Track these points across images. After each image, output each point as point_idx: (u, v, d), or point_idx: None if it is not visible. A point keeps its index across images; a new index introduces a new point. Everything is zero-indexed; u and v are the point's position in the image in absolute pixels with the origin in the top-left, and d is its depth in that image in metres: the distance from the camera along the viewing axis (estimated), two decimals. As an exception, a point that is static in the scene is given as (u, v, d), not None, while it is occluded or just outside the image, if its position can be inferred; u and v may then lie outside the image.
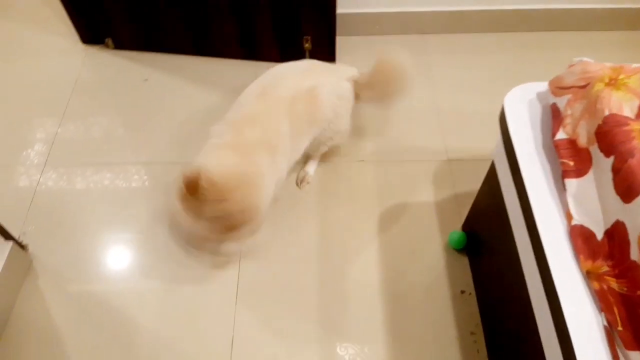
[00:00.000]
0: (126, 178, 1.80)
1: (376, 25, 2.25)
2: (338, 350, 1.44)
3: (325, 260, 1.62)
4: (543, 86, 1.17)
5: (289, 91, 1.41)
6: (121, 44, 2.20)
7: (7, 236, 1.52)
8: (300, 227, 1.70)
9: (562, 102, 1.06)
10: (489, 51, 2.22)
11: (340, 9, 2.08)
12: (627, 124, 0.91)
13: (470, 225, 1.61)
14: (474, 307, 1.53)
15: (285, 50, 2.10)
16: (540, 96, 1.18)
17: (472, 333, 1.48)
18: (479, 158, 1.67)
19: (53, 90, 2.08)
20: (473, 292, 1.56)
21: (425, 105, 2.03)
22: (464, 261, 1.62)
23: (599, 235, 0.93)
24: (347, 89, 1.56)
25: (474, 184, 1.48)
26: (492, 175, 1.33)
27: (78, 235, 1.67)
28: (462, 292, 1.56)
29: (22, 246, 1.58)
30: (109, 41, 2.20)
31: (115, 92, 2.08)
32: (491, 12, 2.21)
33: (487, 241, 1.46)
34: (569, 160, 1.01)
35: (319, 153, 1.77)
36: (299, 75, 1.49)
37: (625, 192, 0.87)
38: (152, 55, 2.20)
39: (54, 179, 1.80)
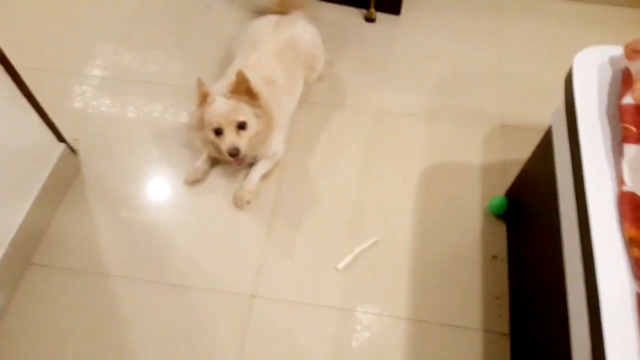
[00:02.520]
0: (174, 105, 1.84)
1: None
2: (358, 309, 1.45)
3: (359, 208, 1.62)
4: (618, 50, 1.10)
5: (277, 44, 1.68)
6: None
7: (61, 138, 1.58)
8: (341, 169, 1.70)
9: (635, 66, 1.00)
10: (566, 21, 2.10)
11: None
12: None
13: (515, 192, 1.57)
14: (504, 273, 1.50)
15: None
16: (613, 60, 1.11)
17: (497, 298, 1.47)
18: (535, 127, 1.59)
19: (115, 11, 2.11)
20: (505, 259, 1.53)
21: (488, 67, 1.96)
22: (501, 227, 1.59)
23: (651, 205, 0.89)
24: (312, 29, 1.82)
25: (525, 153, 1.43)
26: (547, 140, 1.28)
27: (124, 153, 1.73)
28: (494, 257, 1.54)
29: (73, 150, 1.64)
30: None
31: (177, 17, 2.11)
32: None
33: (529, 208, 1.42)
34: (631, 126, 0.95)
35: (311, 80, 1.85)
36: (273, 33, 1.72)
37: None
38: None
39: (107, 104, 1.84)
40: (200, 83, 1.46)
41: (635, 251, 0.86)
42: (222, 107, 1.44)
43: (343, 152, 1.75)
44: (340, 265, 1.50)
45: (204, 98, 1.47)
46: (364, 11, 2.10)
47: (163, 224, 1.58)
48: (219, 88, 1.52)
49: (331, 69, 1.94)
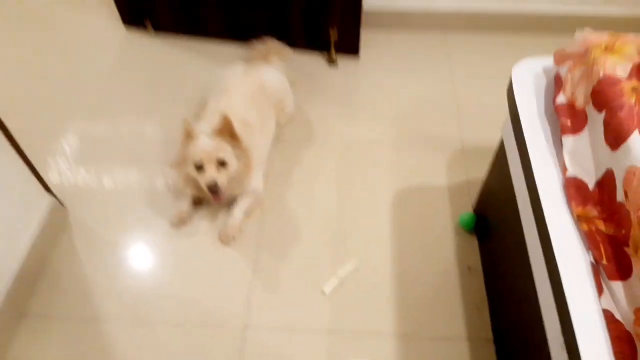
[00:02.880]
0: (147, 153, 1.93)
1: (401, 21, 2.36)
2: (347, 329, 1.51)
3: (339, 233, 1.71)
4: (548, 60, 1.25)
5: (248, 89, 1.82)
6: (160, 26, 2.36)
7: (47, 189, 1.64)
8: (318, 199, 1.80)
9: (564, 69, 1.15)
10: (502, 52, 2.30)
11: (366, 4, 2.21)
12: (619, 83, 0.99)
13: (481, 206, 1.68)
14: (480, 282, 1.58)
15: (311, 39, 2.23)
16: (546, 69, 1.27)
17: (477, 306, 1.54)
18: (492, 148, 1.73)
19: (91, 66, 2.26)
20: (480, 269, 1.61)
21: (445, 98, 2.13)
22: (473, 240, 1.68)
23: (591, 186, 1.01)
24: (279, 75, 1.98)
25: (485, 171, 1.55)
26: (500, 153, 1.40)
27: (110, 206, 1.80)
28: (469, 268, 1.62)
29: (60, 202, 1.70)
30: (147, 23, 2.35)
31: (150, 73, 2.24)
32: (510, 13, 2.30)
33: (495, 218, 1.53)
34: (566, 120, 1.09)
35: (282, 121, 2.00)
36: (244, 79, 1.87)
37: (613, 141, 0.94)
38: (189, 39, 2.36)
39: (87, 168, 1.93)
40: (186, 122, 1.57)
41: (584, 226, 0.97)
42: (205, 144, 1.54)
43: (318, 183, 1.85)
44: (327, 289, 1.56)
45: (188, 135, 1.57)
46: (326, 54, 2.27)
47: (152, 267, 1.63)
48: (200, 129, 1.61)
49: (299, 110, 2.07)
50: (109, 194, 1.81)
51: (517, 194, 1.22)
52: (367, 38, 2.32)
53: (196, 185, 1.61)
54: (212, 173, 1.53)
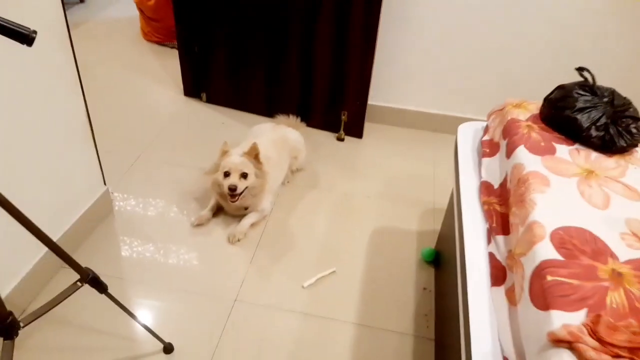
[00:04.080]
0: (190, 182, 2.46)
1: (398, 118, 2.98)
2: (317, 314, 1.87)
3: (324, 250, 2.12)
4: (484, 123, 1.78)
5: (273, 137, 2.41)
6: (212, 99, 3.03)
7: (104, 182, 2.15)
8: (312, 226, 2.24)
9: (490, 120, 1.67)
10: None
11: (372, 101, 2.85)
12: (520, 122, 1.50)
13: (439, 244, 2.09)
14: (432, 298, 1.94)
15: (328, 119, 2.84)
16: (483, 126, 1.79)
17: (425, 315, 1.88)
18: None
19: (155, 117, 2.89)
20: (433, 289, 1.98)
21: (426, 176, 2.64)
22: (430, 270, 2.07)
23: (495, 186, 1.47)
24: (298, 134, 2.59)
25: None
26: (453, 198, 1.87)
27: (147, 200, 2.28)
28: (425, 288, 1.99)
29: (109, 195, 2.19)
30: (203, 95, 3.03)
31: (198, 128, 2.85)
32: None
33: (446, 252, 1.94)
34: (486, 149, 1.58)
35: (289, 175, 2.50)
36: (272, 131, 2.49)
37: (508, 153, 1.43)
38: (232, 110, 3.01)
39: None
40: (225, 144, 2.12)
41: (486, 207, 1.41)
42: (235, 159, 2.06)
43: (315, 215, 2.30)
44: (306, 284, 1.94)
45: (224, 153, 2.09)
46: (336, 134, 2.86)
47: (173, 250, 2.05)
48: (234, 151, 2.14)
49: (309, 165, 2.61)
50: (148, 196, 2.30)
51: (454, 204, 1.67)
52: (370, 127, 2.92)
53: (220, 190, 2.09)
54: (234, 179, 2.03)
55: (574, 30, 2.52)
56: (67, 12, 1.70)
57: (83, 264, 1.31)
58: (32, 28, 0.86)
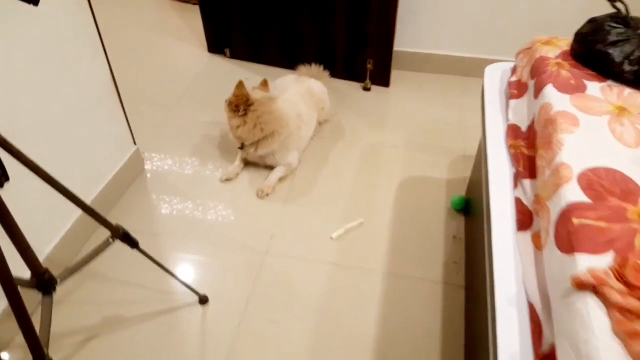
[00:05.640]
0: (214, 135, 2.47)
1: (426, 63, 2.88)
2: (345, 264, 1.89)
3: (352, 201, 2.12)
4: (512, 63, 1.70)
5: (299, 90, 2.38)
6: (235, 54, 3.00)
7: (134, 142, 2.19)
8: (340, 180, 2.23)
9: (517, 59, 1.59)
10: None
11: (397, 47, 2.75)
12: (548, 60, 1.43)
13: (469, 192, 2.06)
14: (461, 246, 1.93)
15: (352, 68, 2.78)
16: (511, 67, 1.71)
17: (455, 262, 1.88)
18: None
19: (180, 74, 2.89)
20: (463, 238, 1.97)
21: (454, 123, 2.57)
22: (460, 217, 2.05)
23: (523, 129, 1.41)
24: (321, 84, 2.52)
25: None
26: (481, 145, 1.81)
27: (176, 156, 2.32)
28: (454, 237, 1.98)
29: (140, 155, 2.23)
30: (227, 51, 3.00)
31: (223, 84, 2.84)
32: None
33: (475, 199, 1.91)
34: (514, 90, 1.51)
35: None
36: (296, 84, 2.44)
37: (536, 93, 1.36)
38: (255, 64, 2.97)
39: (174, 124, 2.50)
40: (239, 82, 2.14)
41: (512, 150, 1.36)
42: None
43: (342, 166, 2.30)
44: (334, 235, 1.96)
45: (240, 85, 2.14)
46: (362, 83, 2.80)
47: (204, 202, 2.10)
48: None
49: (335, 117, 2.57)
50: (177, 154, 2.34)
51: (481, 149, 1.62)
52: (397, 74, 2.84)
53: (234, 135, 2.15)
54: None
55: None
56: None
57: (118, 222, 1.35)
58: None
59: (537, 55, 1.46)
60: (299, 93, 2.35)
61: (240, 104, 2.09)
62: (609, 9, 1.40)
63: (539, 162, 1.21)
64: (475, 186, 1.95)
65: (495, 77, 1.68)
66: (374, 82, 2.79)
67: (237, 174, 2.23)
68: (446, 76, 2.91)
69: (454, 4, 2.65)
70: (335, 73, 2.82)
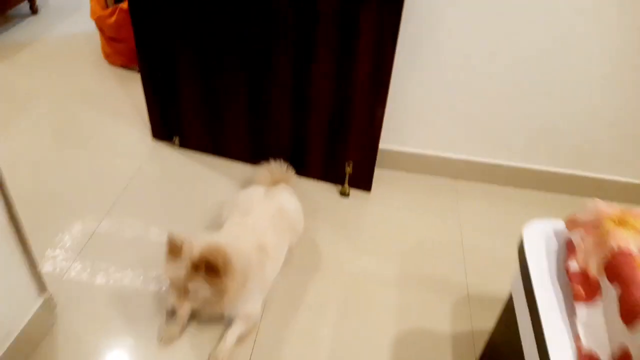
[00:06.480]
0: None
1: (411, 163, 2.47)
2: None
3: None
4: (559, 223, 1.28)
5: (268, 211, 1.86)
6: (187, 143, 2.48)
7: (43, 289, 1.61)
8: (317, 330, 1.73)
9: (575, 236, 1.17)
10: (513, 204, 2.37)
11: (382, 145, 2.33)
12: (633, 259, 1.00)
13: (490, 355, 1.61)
14: None
15: (328, 170, 2.32)
16: (556, 231, 1.29)
17: None
18: (498, 298, 1.71)
19: (115, 169, 2.34)
20: None
21: (451, 242, 2.14)
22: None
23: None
24: (296, 201, 2.02)
25: (491, 323, 1.51)
26: (509, 308, 1.38)
27: (100, 298, 1.75)
28: None
29: (51, 304, 1.66)
30: (176, 139, 2.48)
31: (171, 181, 2.31)
32: (517, 169, 2.41)
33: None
34: (580, 287, 1.08)
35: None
36: (264, 202, 1.91)
37: (626, 317, 0.93)
38: (211, 157, 2.46)
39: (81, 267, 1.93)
40: (171, 238, 1.53)
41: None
42: (178, 270, 1.54)
43: (319, 314, 1.80)
44: None
45: (170, 251, 1.54)
46: (339, 187, 2.34)
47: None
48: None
49: (308, 235, 2.09)
50: (101, 293, 1.77)
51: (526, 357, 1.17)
52: (380, 175, 2.41)
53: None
54: (174, 298, 1.58)
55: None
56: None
57: None
58: None
59: (614, 246, 1.04)
60: (268, 215, 1.84)
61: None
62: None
63: None
64: (494, 356, 1.50)
65: (539, 247, 1.25)
66: (354, 186, 2.34)
67: (182, 332, 1.68)
68: (433, 177, 2.50)
69: (443, 102, 2.27)
70: (308, 172, 2.36)
